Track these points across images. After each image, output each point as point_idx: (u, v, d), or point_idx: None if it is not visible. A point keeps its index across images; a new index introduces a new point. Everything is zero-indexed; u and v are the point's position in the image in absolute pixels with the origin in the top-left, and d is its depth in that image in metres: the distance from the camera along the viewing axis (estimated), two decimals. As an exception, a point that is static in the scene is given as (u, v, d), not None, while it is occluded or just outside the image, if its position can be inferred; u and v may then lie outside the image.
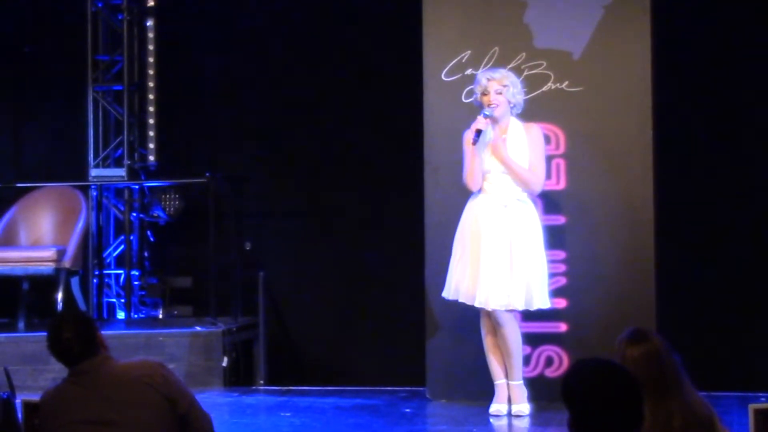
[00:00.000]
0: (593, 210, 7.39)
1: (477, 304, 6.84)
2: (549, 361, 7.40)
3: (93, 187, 9.29)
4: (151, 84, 9.26)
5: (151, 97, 9.27)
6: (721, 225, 8.24)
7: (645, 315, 7.11)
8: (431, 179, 7.57)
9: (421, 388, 7.70)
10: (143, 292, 9.35)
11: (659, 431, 3.64)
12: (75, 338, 4.15)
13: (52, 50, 9.49)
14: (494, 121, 6.88)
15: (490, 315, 6.85)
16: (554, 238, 7.20)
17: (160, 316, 9.20)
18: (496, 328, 6.86)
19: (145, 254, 9.43)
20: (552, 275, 7.13)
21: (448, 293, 6.99)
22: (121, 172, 9.31)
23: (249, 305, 8.69)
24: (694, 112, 8.27)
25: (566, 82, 7.43)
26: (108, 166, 9.41)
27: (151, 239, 9.44)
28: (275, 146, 9.19)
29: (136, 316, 9.24)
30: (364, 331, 8.92)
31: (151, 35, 9.26)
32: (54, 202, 8.99)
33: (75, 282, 8.77)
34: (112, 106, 9.45)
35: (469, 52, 7.54)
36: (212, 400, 7.39)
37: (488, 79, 6.89)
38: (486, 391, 7.03)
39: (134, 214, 9.43)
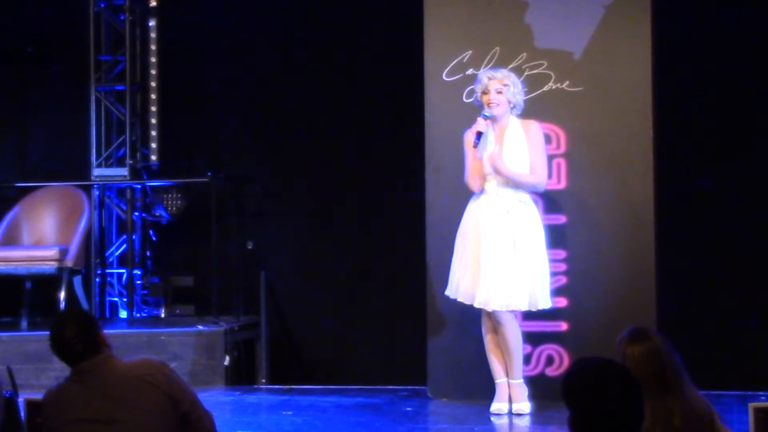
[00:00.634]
0: (594, 209, 7.40)
1: (477, 305, 6.85)
2: (550, 360, 7.41)
3: (95, 186, 9.31)
4: (153, 84, 9.27)
5: (153, 96, 9.28)
6: (722, 224, 8.24)
7: (645, 314, 7.12)
8: (432, 179, 7.58)
9: (423, 387, 7.70)
10: (145, 291, 9.36)
11: (659, 429, 3.65)
12: (77, 337, 4.14)
13: (55, 50, 9.50)
14: (494, 120, 6.89)
15: (491, 315, 6.86)
16: (555, 237, 7.21)
17: (162, 315, 9.22)
18: (496, 327, 6.87)
19: (148, 253, 9.45)
20: (552, 274, 7.13)
21: (450, 291, 7.01)
22: (124, 171, 9.32)
23: (251, 304, 8.71)
24: (695, 111, 8.27)
25: (567, 82, 7.44)
26: (110, 166, 9.42)
27: (154, 238, 9.45)
28: (277, 146, 9.20)
29: (138, 315, 9.26)
30: (366, 330, 8.93)
31: (153, 35, 9.27)
32: (57, 201, 8.99)
33: (77, 281, 8.78)
34: (115, 106, 9.46)
35: (470, 52, 7.54)
36: (214, 398, 7.38)
37: (489, 78, 6.90)
38: (487, 389, 7.04)
39: (136, 214, 9.43)
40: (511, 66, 7.34)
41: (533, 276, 6.84)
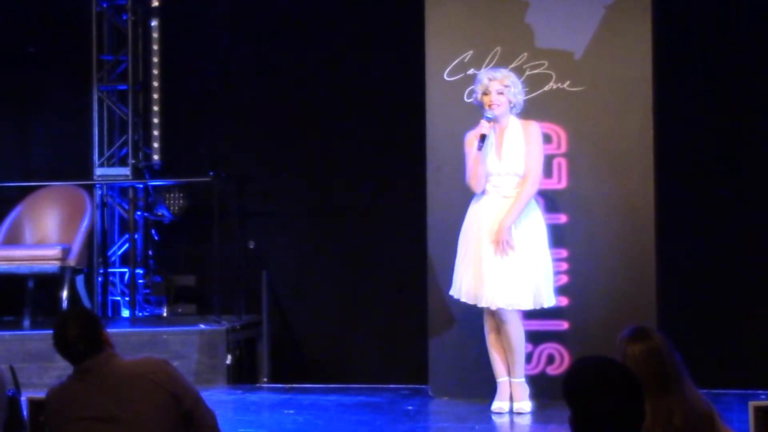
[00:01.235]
0: (594, 209, 7.41)
1: (481, 304, 6.86)
2: (550, 359, 7.43)
3: (98, 186, 9.32)
4: (155, 83, 9.29)
5: (155, 96, 9.30)
6: (722, 223, 8.24)
7: (646, 313, 7.13)
8: (433, 178, 7.60)
9: (424, 386, 7.72)
10: (147, 291, 9.37)
11: (660, 428, 3.65)
12: (80, 336, 4.15)
13: (58, 50, 9.51)
14: (495, 121, 6.90)
15: (494, 313, 6.86)
16: (556, 236, 7.21)
17: (165, 314, 9.23)
18: (499, 325, 6.87)
19: (150, 253, 9.46)
20: (554, 273, 7.14)
21: (454, 291, 7.01)
22: (126, 171, 9.34)
23: (252, 303, 8.71)
24: (695, 111, 8.28)
25: (568, 82, 7.45)
26: (113, 165, 9.44)
27: (156, 238, 9.46)
28: (279, 146, 9.20)
29: (140, 314, 9.28)
30: (367, 329, 8.93)
31: (155, 35, 9.30)
32: (59, 201, 8.99)
33: (80, 280, 8.78)
34: (117, 106, 9.48)
35: (471, 52, 7.56)
36: (216, 397, 7.39)
37: (490, 79, 6.90)
38: (488, 388, 7.05)
39: (139, 213, 9.45)
40: (511, 66, 7.35)
41: (537, 274, 6.85)
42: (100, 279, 9.28)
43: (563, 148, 7.43)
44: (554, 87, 7.45)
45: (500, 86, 6.87)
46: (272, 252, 9.07)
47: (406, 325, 8.57)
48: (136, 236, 9.44)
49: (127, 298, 9.37)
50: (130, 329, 8.59)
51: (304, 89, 9.12)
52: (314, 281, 9.09)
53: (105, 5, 9.40)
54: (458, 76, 7.55)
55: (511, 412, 6.94)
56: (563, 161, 7.41)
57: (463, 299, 6.94)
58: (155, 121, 9.32)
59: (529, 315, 7.07)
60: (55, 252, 8.55)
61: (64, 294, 8.53)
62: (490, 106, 6.85)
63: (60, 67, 9.52)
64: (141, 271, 9.41)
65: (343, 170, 9.06)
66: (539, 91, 7.40)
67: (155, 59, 9.30)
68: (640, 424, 3.04)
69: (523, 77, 7.24)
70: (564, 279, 7.35)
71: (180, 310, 9.23)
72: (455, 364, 7.50)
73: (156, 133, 9.32)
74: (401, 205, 8.67)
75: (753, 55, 8.24)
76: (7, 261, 8.58)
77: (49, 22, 9.52)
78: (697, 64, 8.25)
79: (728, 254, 8.20)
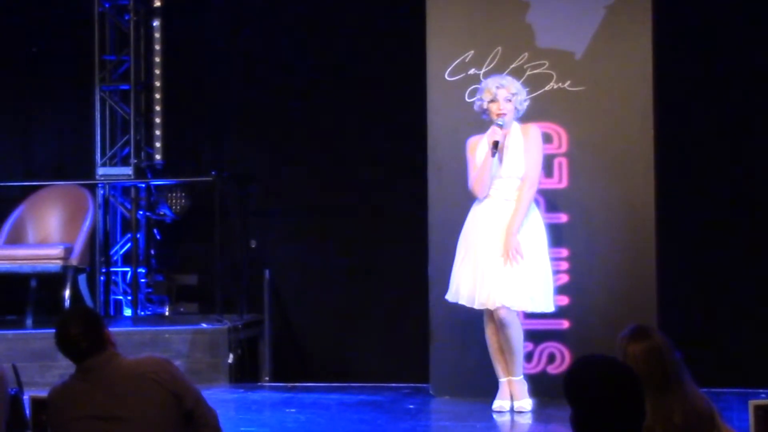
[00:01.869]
0: (595, 208, 7.42)
1: (477, 306, 6.87)
2: (551, 358, 7.44)
3: (100, 185, 9.33)
4: (157, 83, 9.30)
5: (157, 96, 9.31)
6: (722, 223, 8.24)
7: (646, 312, 7.15)
8: (434, 178, 7.61)
9: (425, 385, 7.73)
10: (150, 290, 9.39)
11: (660, 427, 3.66)
12: (82, 335, 4.15)
13: (60, 50, 9.52)
14: (504, 128, 6.93)
15: (493, 315, 6.88)
16: (556, 236, 7.23)
17: (167, 313, 9.23)
18: (499, 327, 6.86)
19: (152, 252, 9.47)
20: (554, 273, 7.13)
21: (450, 296, 7.02)
22: (128, 170, 9.36)
23: (254, 302, 8.72)
24: (695, 111, 8.28)
25: (568, 82, 7.47)
26: (115, 165, 9.45)
27: (158, 237, 9.47)
28: (280, 145, 9.21)
29: (142, 313, 9.29)
30: (368, 329, 8.94)
31: (157, 35, 9.30)
32: (61, 200, 9.00)
33: (82, 279, 8.78)
34: (119, 106, 9.49)
35: (472, 52, 7.57)
36: (218, 396, 7.38)
37: (498, 87, 6.89)
38: (489, 387, 7.06)
39: (141, 213, 9.46)
40: (512, 66, 7.37)
41: (535, 278, 6.85)
42: (102, 278, 9.29)
43: (564, 148, 7.44)
44: (555, 87, 7.46)
45: (508, 94, 6.89)
46: (274, 251, 9.08)
47: (408, 324, 8.58)
48: (138, 235, 9.45)
49: (129, 298, 9.38)
50: (132, 328, 8.60)
51: (306, 89, 9.13)
52: (316, 280, 9.09)
53: (107, 5, 9.42)
54: (459, 76, 7.56)
55: (512, 410, 6.95)
56: (564, 161, 7.42)
57: (461, 302, 6.94)
58: (157, 120, 9.33)
59: (529, 314, 7.08)
60: (58, 251, 8.56)
61: (67, 293, 8.54)
62: (498, 114, 6.87)
63: (62, 67, 9.53)
64: (143, 271, 9.42)
65: (344, 170, 9.06)
66: (540, 91, 7.41)
67: (157, 59, 9.31)
68: (641, 422, 3.05)
69: (524, 77, 7.26)
70: (564, 278, 7.37)
71: (182, 310, 9.25)
72: (456, 363, 7.51)
73: (158, 132, 9.33)
74: (403, 205, 8.67)
75: (753, 55, 8.24)
76: (9, 260, 8.59)
77: (51, 23, 9.53)
78: (697, 64, 8.26)
79: (728, 253, 8.21)
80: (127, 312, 9.37)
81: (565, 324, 7.40)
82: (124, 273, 9.53)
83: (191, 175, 9.16)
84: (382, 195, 8.93)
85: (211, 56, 9.37)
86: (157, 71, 9.31)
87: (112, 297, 9.40)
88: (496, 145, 6.81)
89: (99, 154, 9.41)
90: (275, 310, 8.80)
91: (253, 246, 8.85)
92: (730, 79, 8.24)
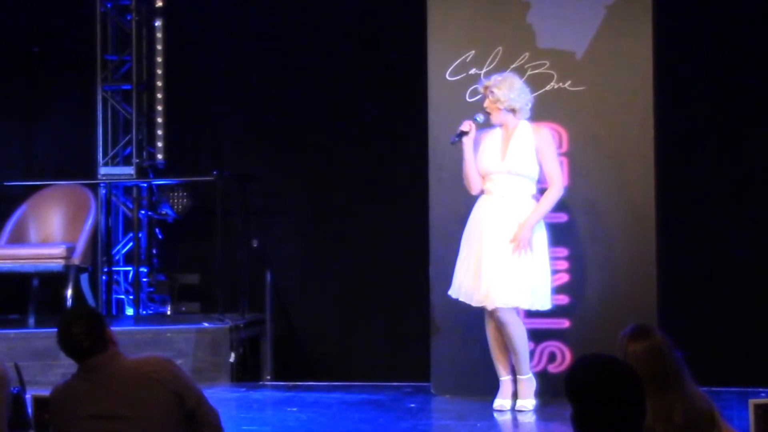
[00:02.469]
0: (595, 207, 7.43)
1: (475, 304, 6.89)
2: (552, 357, 7.45)
3: (102, 185, 9.34)
4: (159, 83, 9.31)
5: (159, 96, 9.32)
6: (722, 222, 8.26)
7: (647, 311, 7.15)
8: (435, 177, 7.62)
9: (426, 384, 7.74)
10: (151, 289, 9.40)
11: (660, 426, 3.66)
12: (85, 334, 4.15)
13: (62, 50, 9.54)
14: (487, 124, 6.97)
15: (492, 314, 6.90)
16: (557, 235, 7.23)
17: (168, 313, 9.25)
18: (500, 327, 6.88)
19: (154, 251, 9.48)
20: (555, 272, 7.15)
21: (452, 291, 7.04)
22: (130, 170, 9.38)
23: (256, 302, 8.73)
24: (696, 110, 8.29)
25: (569, 82, 7.48)
26: (117, 165, 9.47)
27: (160, 237, 9.49)
28: (282, 145, 9.23)
29: (144, 312, 9.30)
30: (370, 328, 8.95)
31: (159, 35, 9.31)
32: (64, 200, 9.01)
33: (84, 279, 8.79)
34: (121, 105, 9.51)
35: (473, 52, 7.58)
36: (220, 395, 7.41)
37: (485, 88, 6.98)
38: (490, 386, 7.08)
39: (143, 212, 9.48)
40: (513, 66, 7.38)
41: (534, 276, 6.86)
42: (104, 277, 9.30)
43: (564, 148, 7.45)
44: (555, 87, 7.47)
45: (493, 98, 6.94)
46: (276, 250, 9.08)
47: (409, 323, 8.59)
48: (140, 235, 9.47)
49: (131, 297, 9.40)
50: (134, 327, 8.59)
51: (307, 89, 9.14)
52: (317, 279, 9.11)
53: (109, 5, 9.43)
54: (460, 76, 7.58)
55: (512, 409, 6.96)
56: (564, 160, 7.42)
57: (461, 299, 6.96)
58: (159, 120, 9.34)
59: (530, 313, 7.09)
60: (60, 251, 8.58)
61: (69, 292, 8.55)
62: (482, 111, 6.95)
63: (64, 67, 9.54)
64: (145, 270, 9.44)
65: (345, 169, 9.08)
66: (540, 91, 7.42)
67: (159, 59, 9.32)
68: (642, 421, 3.05)
69: (525, 77, 7.26)
70: (565, 277, 7.38)
71: (184, 309, 9.26)
72: (457, 362, 7.52)
73: (160, 132, 9.34)
74: (404, 204, 8.68)
75: (753, 55, 8.25)
76: (12, 260, 8.60)
77: (53, 23, 9.55)
78: (697, 63, 8.27)
79: (729, 252, 8.21)
80: (129, 311, 9.38)
81: (565, 323, 7.41)
82: (126, 272, 9.54)
83: (193, 174, 9.17)
84: (384, 194, 8.94)
85: (213, 56, 9.38)
86: (159, 71, 9.32)
87: (114, 296, 9.41)
88: (460, 134, 6.88)
89: (101, 154, 9.43)
90: (277, 309, 8.81)
91: (255, 245, 8.86)
92: (730, 78, 8.25)
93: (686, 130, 8.23)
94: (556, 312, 7.21)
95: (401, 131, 8.74)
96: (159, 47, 9.31)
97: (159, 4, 9.32)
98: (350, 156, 9.07)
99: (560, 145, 7.43)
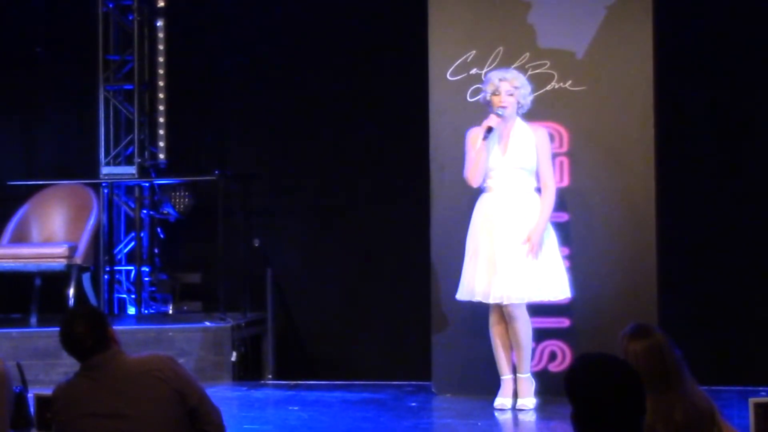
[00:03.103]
0: (596, 207, 7.44)
1: (492, 301, 6.89)
2: (552, 356, 7.46)
3: (104, 184, 9.35)
4: (161, 83, 9.31)
5: (161, 96, 9.32)
6: (723, 221, 8.26)
7: (647, 310, 7.16)
8: (437, 177, 7.63)
9: (427, 383, 7.74)
10: (153, 288, 9.40)
11: (661, 425, 3.68)
12: (87, 333, 4.15)
13: (64, 50, 9.53)
14: (503, 120, 6.96)
15: (503, 309, 6.91)
16: (558, 234, 7.26)
17: (170, 312, 9.25)
18: (508, 322, 6.90)
19: (155, 251, 9.48)
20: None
21: (461, 295, 7.04)
22: (132, 170, 9.38)
23: (257, 301, 8.72)
24: (696, 110, 8.30)
25: (569, 82, 7.49)
26: (119, 164, 9.47)
27: (161, 236, 9.49)
28: (284, 145, 9.24)
29: (146, 311, 9.31)
30: (371, 327, 8.96)
31: (161, 35, 9.31)
32: (66, 199, 9.01)
33: (86, 278, 8.79)
34: (123, 105, 9.52)
35: (474, 51, 7.59)
36: (221, 394, 7.42)
37: (500, 80, 6.95)
38: (491, 385, 7.09)
39: (144, 212, 9.48)
40: (514, 66, 7.38)
41: (547, 267, 6.90)
42: (106, 277, 9.31)
43: (565, 147, 7.46)
44: (556, 86, 7.48)
45: (510, 88, 6.94)
46: (277, 250, 9.09)
47: (410, 322, 8.60)
48: (142, 234, 9.47)
49: (133, 296, 9.41)
50: (136, 326, 8.60)
51: (309, 88, 9.15)
52: (319, 279, 9.12)
53: (111, 5, 9.43)
54: (461, 76, 7.58)
55: (513, 408, 6.98)
56: (565, 160, 7.44)
57: (476, 299, 6.95)
58: (161, 120, 9.34)
59: (531, 312, 7.10)
60: (62, 250, 8.58)
61: (71, 292, 8.55)
62: (500, 106, 6.92)
63: (66, 67, 9.54)
64: (147, 269, 9.44)
65: (347, 169, 9.09)
66: (541, 91, 7.42)
67: (161, 59, 9.32)
68: (642, 420, 3.06)
69: (526, 77, 7.26)
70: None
71: (185, 308, 9.26)
72: (458, 361, 7.52)
73: (162, 132, 9.34)
74: (405, 204, 8.69)
75: (753, 55, 8.26)
76: (14, 259, 8.61)
77: (55, 23, 9.55)
78: (697, 63, 8.28)
79: (729, 251, 8.22)
80: (131, 310, 9.39)
81: (566, 322, 7.42)
82: (128, 272, 9.55)
83: (195, 174, 9.17)
84: (385, 194, 8.95)
85: (215, 56, 9.39)
86: (161, 71, 9.32)
87: (116, 295, 9.42)
88: (489, 130, 6.86)
89: (103, 154, 9.43)
90: (278, 309, 8.82)
91: (257, 244, 8.86)
92: (731, 78, 8.26)
93: (687, 129, 8.24)
94: (556, 311, 7.23)
95: (403, 131, 8.74)
96: (161, 47, 9.31)
97: (161, 4, 9.32)
98: (351, 156, 9.08)
99: (561, 145, 7.44)
